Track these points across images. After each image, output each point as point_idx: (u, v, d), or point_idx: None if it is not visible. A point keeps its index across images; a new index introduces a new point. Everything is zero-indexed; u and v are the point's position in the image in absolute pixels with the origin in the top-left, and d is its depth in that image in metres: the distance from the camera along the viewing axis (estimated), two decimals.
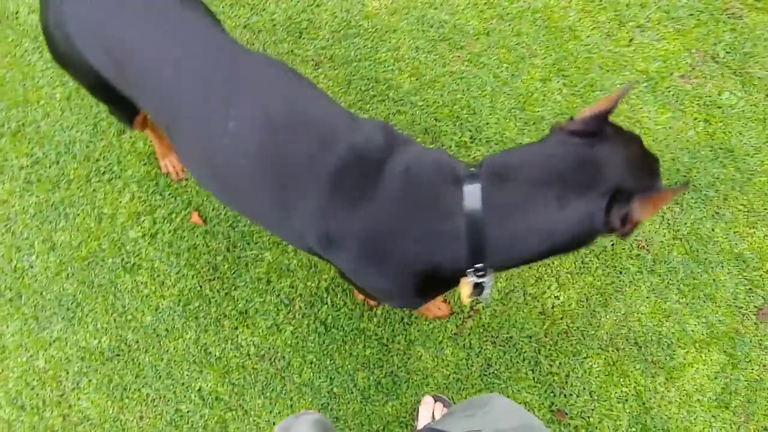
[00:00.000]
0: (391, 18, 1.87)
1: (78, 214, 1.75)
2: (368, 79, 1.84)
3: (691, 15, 1.85)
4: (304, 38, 1.87)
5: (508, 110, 1.80)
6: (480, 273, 0.92)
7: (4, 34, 1.87)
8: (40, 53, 1.85)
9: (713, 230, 1.70)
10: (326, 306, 1.68)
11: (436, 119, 1.80)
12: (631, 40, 1.84)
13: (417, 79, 1.83)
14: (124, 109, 1.26)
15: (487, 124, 1.79)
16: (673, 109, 1.79)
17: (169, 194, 1.75)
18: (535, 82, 1.81)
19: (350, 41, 1.86)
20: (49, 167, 1.78)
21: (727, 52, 1.81)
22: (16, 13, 1.88)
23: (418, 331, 1.66)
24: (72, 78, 1.25)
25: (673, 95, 1.79)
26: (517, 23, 1.86)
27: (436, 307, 1.63)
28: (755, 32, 1.82)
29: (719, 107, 1.79)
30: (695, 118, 1.78)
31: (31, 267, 1.73)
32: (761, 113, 1.77)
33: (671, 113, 1.78)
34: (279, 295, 1.69)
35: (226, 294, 1.70)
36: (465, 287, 0.97)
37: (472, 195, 0.88)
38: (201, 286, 1.70)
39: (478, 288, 0.95)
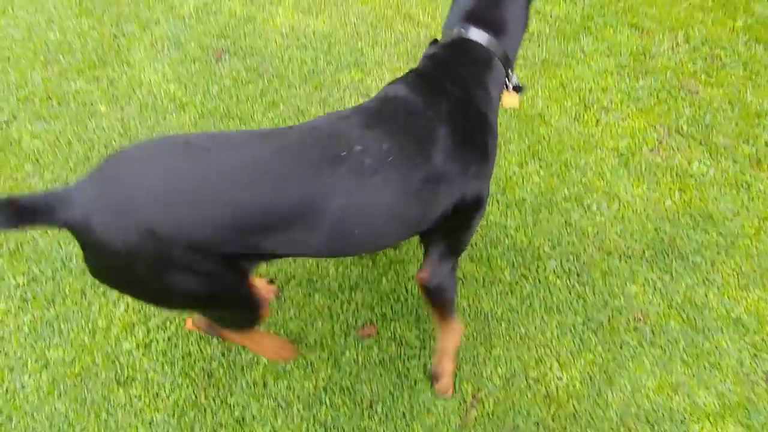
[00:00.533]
0: None
1: (72, 329, 1.75)
2: None
3: (650, 94, 1.98)
4: None
5: (490, 195, 1.86)
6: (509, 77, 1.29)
7: (6, 160, 1.98)
8: (40, 176, 1.94)
9: (706, 296, 1.70)
10: (325, 406, 1.63)
11: None
12: (597, 121, 1.96)
13: None
14: (248, 294, 1.18)
15: None
16: (647, 181, 1.86)
17: None
18: (513, 166, 1.90)
19: None
20: (45, 284, 1.81)
21: (690, 125, 1.92)
22: (19, 140, 2.00)
23: (420, 425, 1.60)
24: (174, 303, 1.17)
25: (645, 168, 1.87)
26: None
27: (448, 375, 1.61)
28: (713, 105, 1.94)
29: (691, 176, 1.86)
30: (670, 189, 1.84)
31: (23, 387, 1.70)
32: (732, 178, 1.84)
33: (646, 185, 1.85)
34: (276, 398, 1.65)
35: (222, 401, 1.65)
36: (511, 98, 1.29)
37: (487, 41, 1.23)
38: (196, 395, 1.66)
39: (516, 89, 1.29)
